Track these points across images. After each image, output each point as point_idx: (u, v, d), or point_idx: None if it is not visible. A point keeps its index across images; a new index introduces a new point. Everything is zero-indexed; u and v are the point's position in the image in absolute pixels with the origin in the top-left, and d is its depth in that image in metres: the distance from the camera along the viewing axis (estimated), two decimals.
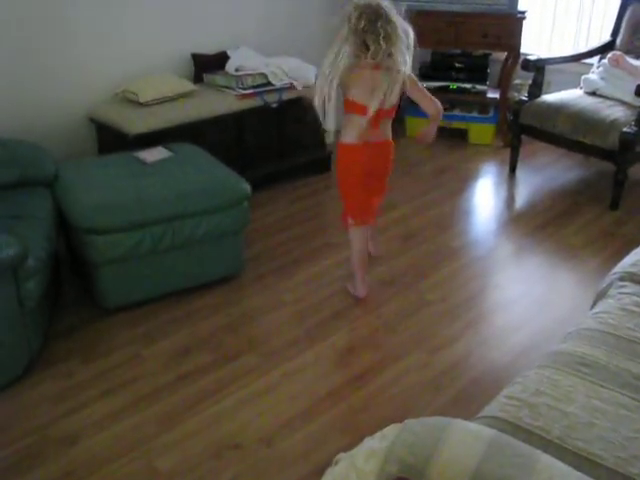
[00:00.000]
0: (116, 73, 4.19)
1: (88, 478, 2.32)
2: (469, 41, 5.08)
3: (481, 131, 5.33)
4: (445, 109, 5.32)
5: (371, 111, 2.90)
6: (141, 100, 3.94)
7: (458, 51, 5.39)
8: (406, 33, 2.95)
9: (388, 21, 2.83)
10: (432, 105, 3.17)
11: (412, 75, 3.08)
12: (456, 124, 5.39)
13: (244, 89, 4.22)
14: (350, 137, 3.03)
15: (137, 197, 3.10)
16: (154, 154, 3.51)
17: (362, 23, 2.80)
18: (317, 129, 4.64)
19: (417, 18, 4.95)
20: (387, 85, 2.91)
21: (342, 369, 2.83)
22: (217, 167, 3.43)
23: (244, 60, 4.40)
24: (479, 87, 5.31)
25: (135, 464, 2.37)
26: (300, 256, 3.69)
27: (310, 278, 3.47)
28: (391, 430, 1.38)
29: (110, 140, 3.98)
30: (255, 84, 4.26)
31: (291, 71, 4.40)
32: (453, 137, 5.36)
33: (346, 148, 3.07)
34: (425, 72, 5.43)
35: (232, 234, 3.31)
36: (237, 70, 4.31)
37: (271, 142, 4.43)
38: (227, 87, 4.27)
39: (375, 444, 1.35)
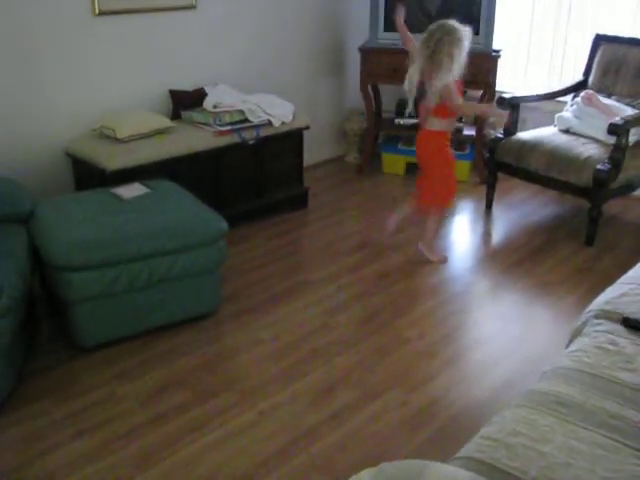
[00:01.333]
0: (93, 109, 4.19)
1: None
2: None
3: (457, 168, 5.35)
4: None
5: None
6: (118, 136, 3.94)
7: None
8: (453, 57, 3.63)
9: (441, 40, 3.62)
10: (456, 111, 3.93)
11: (448, 88, 3.69)
12: None
13: (221, 126, 4.24)
14: None
15: (113, 234, 3.09)
16: (131, 190, 3.50)
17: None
18: (295, 165, 4.68)
19: (395, 56, 5.06)
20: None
21: (319, 407, 2.80)
22: (194, 204, 3.42)
23: (222, 97, 4.42)
24: (456, 124, 5.36)
25: None
26: (277, 294, 3.67)
27: (287, 316, 3.46)
28: (366, 474, 1.37)
29: (87, 176, 3.97)
30: (233, 121, 4.28)
31: (269, 108, 4.43)
32: None
33: None
34: (401, 109, 5.47)
35: (209, 271, 3.30)
36: (215, 107, 4.32)
37: (249, 179, 4.44)
38: (205, 124, 4.28)
39: None
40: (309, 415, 2.76)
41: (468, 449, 1.80)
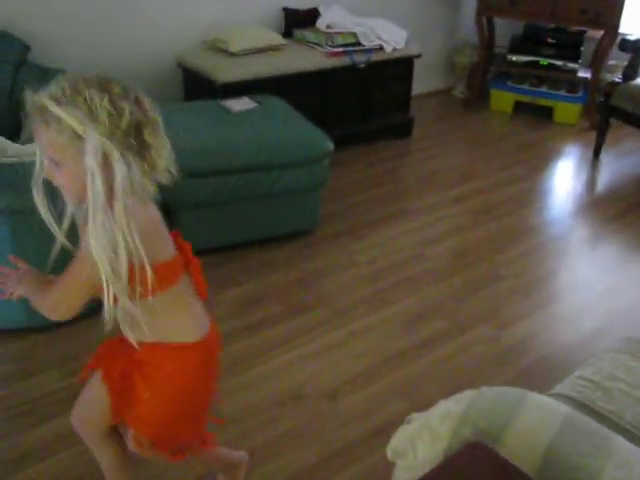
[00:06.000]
0: (207, 21, 4.22)
1: None
2: (566, 16, 4.92)
3: (567, 110, 5.20)
4: (532, 84, 5.26)
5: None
6: (231, 50, 3.96)
7: (553, 26, 5.25)
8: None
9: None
10: None
11: None
12: (542, 101, 5.28)
13: (333, 47, 4.20)
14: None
15: (220, 145, 3.14)
16: (240, 104, 3.53)
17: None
18: (402, 93, 4.63)
19: None
20: None
21: (409, 334, 2.83)
22: (301, 122, 3.43)
23: (336, 18, 4.38)
24: (570, 65, 5.18)
25: None
26: (375, 219, 3.69)
27: (384, 242, 3.47)
28: (466, 395, 1.39)
29: (196, 87, 4.02)
30: (345, 43, 4.23)
31: (382, 33, 4.36)
32: (538, 114, 5.25)
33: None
34: (515, 45, 5.31)
35: (311, 190, 3.32)
36: (328, 27, 4.29)
37: (355, 102, 4.40)
38: (316, 44, 4.26)
39: (450, 407, 1.36)
40: (398, 340, 2.79)
41: (563, 387, 1.79)
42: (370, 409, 2.44)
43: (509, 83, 5.37)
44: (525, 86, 5.33)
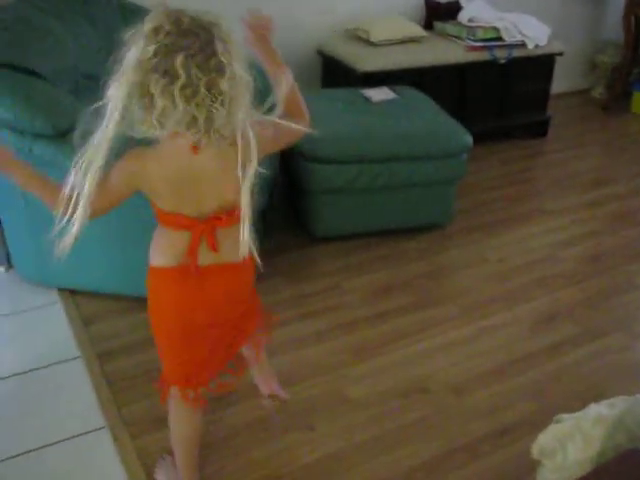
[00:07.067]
0: (348, 11, 4.26)
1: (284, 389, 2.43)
2: None
3: None
4: None
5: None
6: (372, 39, 3.98)
7: None
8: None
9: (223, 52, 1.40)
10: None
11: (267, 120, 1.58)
12: None
13: (474, 41, 4.16)
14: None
15: (360, 133, 3.17)
16: (379, 94, 3.55)
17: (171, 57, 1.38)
18: (541, 91, 4.54)
19: None
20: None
21: (539, 335, 2.78)
22: (440, 115, 3.42)
23: (478, 12, 4.33)
24: None
25: (326, 387, 2.47)
26: (508, 217, 3.64)
27: (516, 241, 3.43)
28: (620, 400, 1.36)
29: (335, 74, 4.07)
30: (486, 37, 4.18)
31: (524, 29, 4.28)
32: None
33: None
34: None
35: (447, 183, 3.31)
36: (470, 21, 4.25)
37: (492, 98, 4.35)
38: (457, 37, 4.23)
39: (603, 411, 1.34)
40: (528, 341, 2.75)
41: None
42: (497, 408, 2.42)
43: None
44: None
